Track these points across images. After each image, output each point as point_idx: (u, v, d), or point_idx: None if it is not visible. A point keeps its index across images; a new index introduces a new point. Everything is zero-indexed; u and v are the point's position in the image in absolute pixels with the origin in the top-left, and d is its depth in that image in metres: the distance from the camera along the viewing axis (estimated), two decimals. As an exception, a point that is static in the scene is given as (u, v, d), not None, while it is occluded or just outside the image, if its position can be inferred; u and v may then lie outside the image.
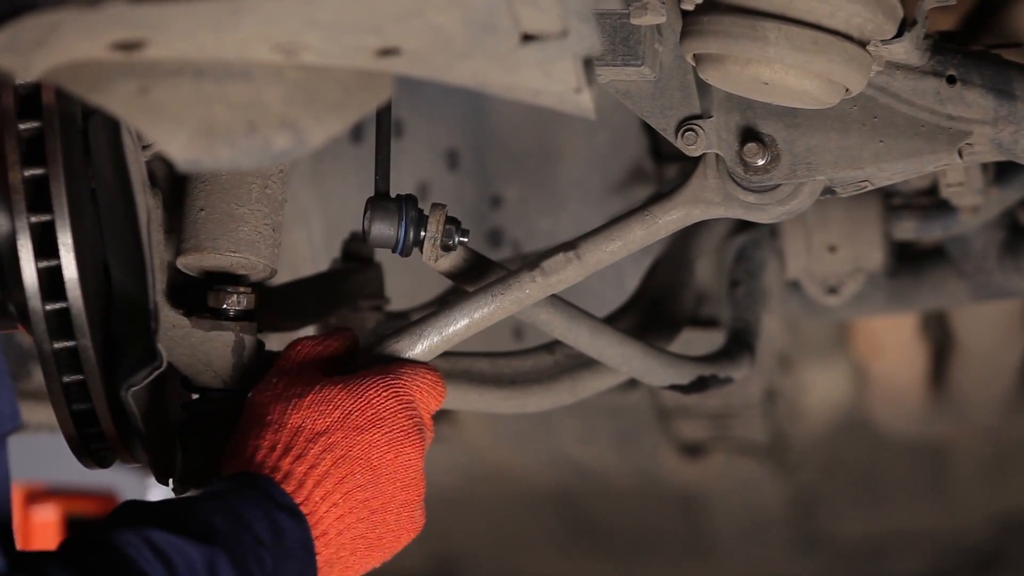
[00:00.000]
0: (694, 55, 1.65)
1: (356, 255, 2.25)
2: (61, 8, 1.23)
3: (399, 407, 1.72)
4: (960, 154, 1.71)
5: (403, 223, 1.77)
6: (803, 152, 1.73)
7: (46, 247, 1.63)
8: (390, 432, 1.71)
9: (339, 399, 1.71)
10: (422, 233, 1.79)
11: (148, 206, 1.67)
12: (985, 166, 2.22)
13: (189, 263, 1.83)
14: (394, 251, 1.80)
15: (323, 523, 1.66)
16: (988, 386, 3.10)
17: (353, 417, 1.71)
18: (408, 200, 1.78)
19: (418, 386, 1.75)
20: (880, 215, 2.44)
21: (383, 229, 1.78)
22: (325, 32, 1.31)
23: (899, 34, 1.64)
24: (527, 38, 1.32)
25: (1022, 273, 2.43)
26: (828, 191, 1.76)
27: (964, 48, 1.72)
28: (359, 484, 1.68)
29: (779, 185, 1.75)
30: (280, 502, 1.65)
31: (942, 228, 2.39)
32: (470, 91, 1.41)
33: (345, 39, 1.32)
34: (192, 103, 1.34)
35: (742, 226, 2.40)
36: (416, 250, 1.80)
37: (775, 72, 1.59)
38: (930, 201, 2.39)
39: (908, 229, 2.43)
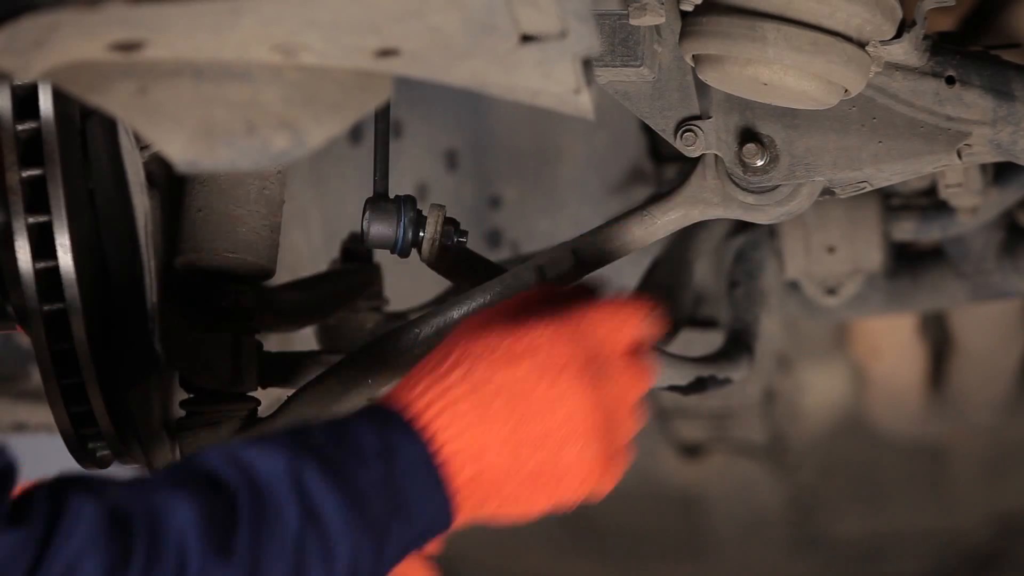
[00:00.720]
0: (693, 56, 1.65)
1: (355, 256, 2.25)
2: (60, 9, 1.23)
3: (559, 339, 1.59)
4: (959, 155, 1.71)
5: (401, 224, 1.77)
6: (802, 153, 1.73)
7: (44, 248, 1.63)
8: (542, 365, 1.58)
9: (498, 329, 1.61)
10: (420, 233, 1.79)
11: (145, 207, 1.68)
12: (984, 167, 2.22)
13: (187, 264, 1.83)
14: (392, 251, 1.80)
15: (452, 444, 1.55)
16: (987, 387, 3.10)
17: (504, 347, 1.59)
18: (407, 201, 1.78)
19: (599, 321, 1.62)
20: (879, 216, 2.44)
21: (382, 229, 1.78)
22: (324, 33, 1.31)
23: (898, 35, 1.64)
24: (526, 39, 1.32)
25: (1021, 274, 2.43)
26: (827, 192, 1.76)
27: (963, 49, 1.72)
28: (500, 414, 1.56)
29: (778, 186, 1.75)
30: (394, 420, 1.56)
31: (941, 229, 2.39)
32: (469, 92, 1.41)
33: (344, 40, 1.32)
34: (191, 104, 1.34)
35: (741, 227, 2.40)
36: (415, 251, 1.80)
37: (774, 73, 1.59)
38: (929, 202, 2.39)
39: (907, 230, 2.43)
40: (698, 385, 2.01)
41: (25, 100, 1.63)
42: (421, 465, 1.54)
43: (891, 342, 3.03)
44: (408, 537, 1.53)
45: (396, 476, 1.52)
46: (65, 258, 1.63)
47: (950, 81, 1.70)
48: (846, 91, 1.64)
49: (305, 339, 2.25)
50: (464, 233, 1.81)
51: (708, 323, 2.45)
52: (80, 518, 1.37)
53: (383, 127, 1.80)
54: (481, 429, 1.56)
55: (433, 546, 1.62)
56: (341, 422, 1.55)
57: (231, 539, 1.42)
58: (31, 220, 1.62)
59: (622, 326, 1.62)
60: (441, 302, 2.13)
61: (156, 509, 1.41)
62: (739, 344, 2.16)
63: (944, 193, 2.26)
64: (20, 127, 1.62)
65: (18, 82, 1.62)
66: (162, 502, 1.41)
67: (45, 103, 1.62)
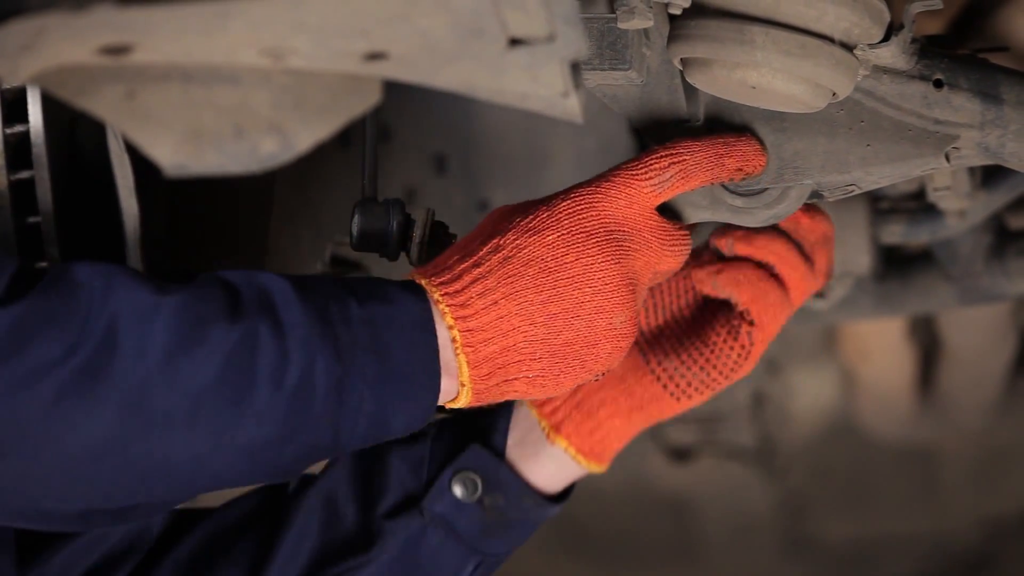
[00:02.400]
0: (681, 59, 1.65)
1: (343, 259, 2.25)
2: (47, 12, 1.23)
3: (582, 209, 1.64)
4: (947, 158, 1.71)
5: (390, 227, 1.77)
6: (790, 156, 1.73)
7: (33, 250, 1.63)
8: (568, 234, 1.63)
9: (526, 203, 1.66)
10: (409, 237, 1.78)
11: (134, 211, 1.67)
12: (972, 170, 2.22)
13: (175, 268, 1.82)
14: (381, 255, 1.80)
15: (479, 318, 1.58)
16: (976, 390, 3.10)
17: (528, 220, 1.64)
18: (395, 204, 1.78)
19: (611, 188, 1.66)
20: (867, 219, 2.44)
21: (370, 233, 1.78)
22: (312, 36, 1.31)
23: (886, 38, 1.64)
24: (514, 42, 1.32)
25: (1009, 277, 2.43)
26: (815, 195, 1.76)
27: (951, 52, 1.73)
28: (530, 287, 1.60)
29: (766, 188, 1.75)
30: (403, 282, 1.60)
31: (929, 232, 2.39)
32: (458, 95, 1.41)
33: (332, 43, 1.32)
34: (179, 107, 1.34)
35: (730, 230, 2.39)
36: (403, 254, 1.80)
37: (762, 76, 1.59)
38: (917, 205, 2.39)
39: (895, 233, 2.43)
40: (687, 388, 2.01)
41: (13, 104, 1.63)
42: (415, 323, 1.55)
43: (880, 345, 3.03)
44: (381, 383, 1.53)
45: (384, 327, 1.53)
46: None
47: (938, 84, 1.70)
48: (834, 94, 1.64)
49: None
50: (453, 236, 1.81)
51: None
52: None
53: (372, 131, 1.80)
54: (513, 302, 1.60)
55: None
56: (355, 277, 1.59)
57: (168, 289, 1.45)
58: (20, 223, 1.62)
59: (637, 195, 1.66)
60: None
61: (67, 267, 1.45)
62: (728, 347, 2.16)
63: (932, 196, 2.26)
64: (8, 131, 1.62)
65: (6, 86, 1.62)
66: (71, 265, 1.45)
67: (33, 107, 1.63)
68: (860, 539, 3.75)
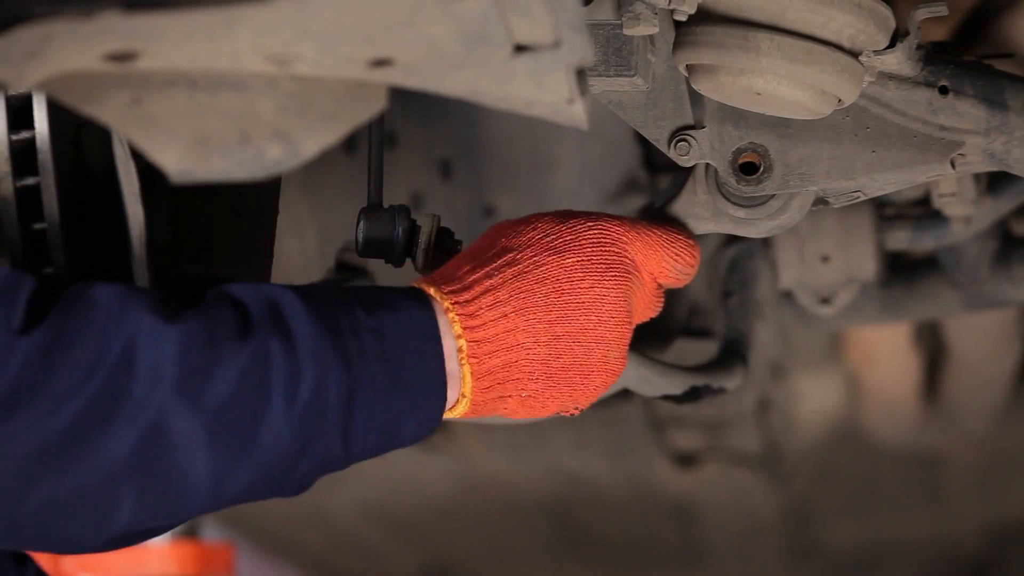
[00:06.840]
0: (687, 65, 1.65)
1: (349, 265, 2.25)
2: (54, 19, 1.23)
3: (607, 241, 1.65)
4: (952, 164, 1.71)
5: (396, 233, 1.77)
6: (796, 162, 1.73)
7: (39, 257, 1.63)
8: (588, 260, 1.63)
9: (545, 222, 1.65)
10: (415, 243, 1.79)
11: (139, 217, 1.67)
12: (977, 176, 2.22)
13: (181, 274, 1.82)
14: (387, 261, 1.80)
15: (486, 329, 1.58)
16: (981, 396, 3.10)
17: (550, 239, 1.64)
18: (400, 210, 1.78)
19: (636, 237, 1.67)
20: (873, 225, 2.44)
21: (376, 239, 1.78)
22: (318, 43, 1.31)
23: (891, 45, 1.64)
24: (520, 49, 1.32)
25: (1014, 283, 2.43)
26: (821, 201, 1.76)
27: (956, 59, 1.73)
28: (540, 304, 1.60)
29: (769, 199, 1.75)
30: (408, 290, 1.59)
31: (935, 238, 2.39)
32: (463, 102, 1.41)
33: (338, 50, 1.32)
34: (185, 114, 1.34)
35: (735, 237, 2.40)
36: (408, 260, 1.80)
37: (767, 83, 1.59)
38: (922, 211, 2.39)
39: (901, 239, 2.43)
40: (692, 395, 2.01)
41: (19, 110, 1.63)
42: (421, 335, 1.54)
43: (885, 351, 3.03)
44: (390, 392, 1.52)
45: (393, 340, 1.52)
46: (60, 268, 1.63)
47: (943, 91, 1.70)
48: (839, 101, 1.64)
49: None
50: (458, 242, 1.81)
51: (702, 333, 2.44)
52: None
53: (377, 137, 1.80)
54: (521, 321, 1.59)
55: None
56: (360, 285, 1.60)
57: (182, 312, 1.45)
58: (26, 230, 1.62)
59: (662, 253, 1.68)
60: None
61: (82, 289, 1.45)
62: (733, 353, 2.16)
63: (938, 203, 2.26)
64: (14, 137, 1.62)
65: (12, 92, 1.62)
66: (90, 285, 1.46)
67: (39, 113, 1.63)
68: (865, 544, 3.75)
